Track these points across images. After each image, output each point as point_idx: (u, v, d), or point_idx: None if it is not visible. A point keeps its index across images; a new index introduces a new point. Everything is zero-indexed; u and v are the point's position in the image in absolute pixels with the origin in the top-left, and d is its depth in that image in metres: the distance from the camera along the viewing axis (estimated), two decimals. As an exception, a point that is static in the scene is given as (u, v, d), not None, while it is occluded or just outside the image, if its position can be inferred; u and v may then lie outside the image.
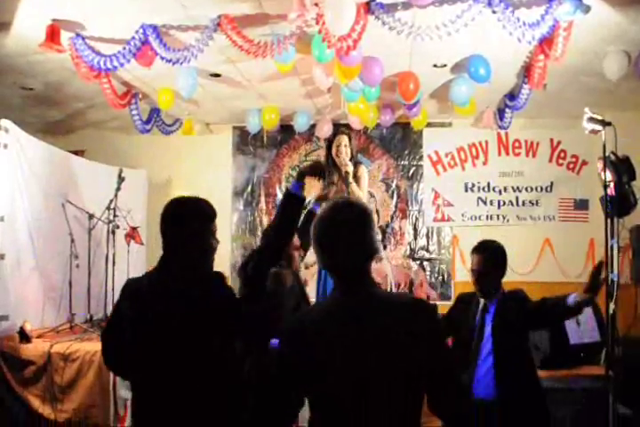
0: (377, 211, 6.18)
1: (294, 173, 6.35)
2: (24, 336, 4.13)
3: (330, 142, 4.36)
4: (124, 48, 3.70)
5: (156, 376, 1.94)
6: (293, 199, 2.46)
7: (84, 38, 3.82)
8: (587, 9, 3.12)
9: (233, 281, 6.01)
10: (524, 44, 3.37)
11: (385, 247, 6.08)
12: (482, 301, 2.96)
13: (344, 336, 1.50)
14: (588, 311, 3.98)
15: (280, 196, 6.38)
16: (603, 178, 3.54)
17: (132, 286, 2.08)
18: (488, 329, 2.87)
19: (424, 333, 1.52)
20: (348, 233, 1.59)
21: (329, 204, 1.69)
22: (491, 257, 2.91)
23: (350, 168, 4.17)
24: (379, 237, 1.64)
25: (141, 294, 2.02)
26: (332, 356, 1.49)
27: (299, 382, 1.53)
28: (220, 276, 2.08)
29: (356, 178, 4.22)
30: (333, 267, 1.63)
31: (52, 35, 3.63)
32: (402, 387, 1.48)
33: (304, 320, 1.64)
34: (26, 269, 4.53)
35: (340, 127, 5.37)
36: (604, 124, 3.46)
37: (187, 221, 2.02)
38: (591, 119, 3.47)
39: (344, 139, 4.26)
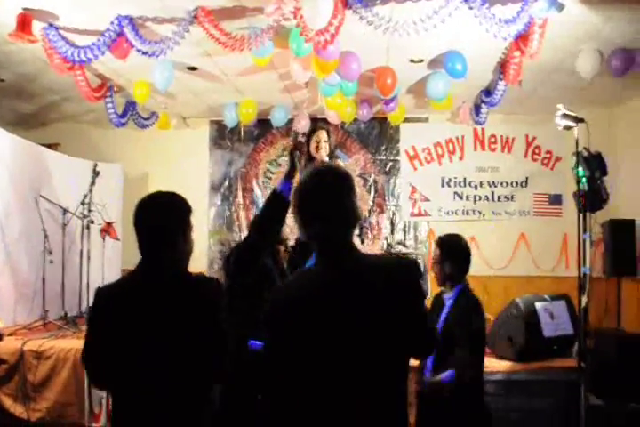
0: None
1: (272, 168, 6.35)
2: (-5, 334, 4.06)
3: (308, 138, 4.33)
4: (99, 39, 3.65)
5: (140, 385, 1.87)
6: (279, 199, 2.41)
7: (57, 28, 3.75)
8: (560, 7, 3.16)
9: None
10: (500, 40, 3.40)
11: (362, 242, 6.10)
12: (442, 296, 2.99)
13: (329, 305, 1.46)
14: (561, 304, 4.05)
15: (257, 190, 6.36)
16: (575, 173, 3.60)
17: (106, 296, 1.94)
18: (439, 326, 2.87)
19: (405, 287, 1.52)
20: (329, 199, 1.53)
21: (309, 171, 1.62)
22: (448, 250, 2.96)
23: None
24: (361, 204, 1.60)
25: (122, 304, 1.90)
26: (319, 326, 1.46)
27: (291, 354, 1.49)
28: (217, 283, 2.00)
29: None
30: (315, 236, 1.55)
31: (24, 24, 3.56)
32: (389, 346, 1.48)
33: (288, 293, 1.57)
34: (-2, 264, 4.46)
35: (318, 122, 5.36)
36: (577, 120, 3.52)
37: (163, 217, 1.94)
38: (564, 116, 3.53)
39: (323, 134, 4.23)
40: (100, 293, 1.96)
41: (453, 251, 2.96)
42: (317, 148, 4.12)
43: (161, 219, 1.94)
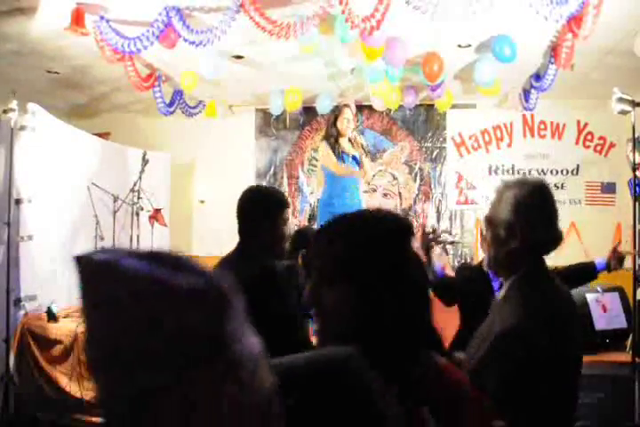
0: (399, 193, 6.16)
1: (317, 156, 6.36)
2: (52, 316, 4.23)
3: (335, 117, 4.73)
4: (148, 30, 3.71)
5: None
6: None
7: (107, 21, 3.83)
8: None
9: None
10: (551, 22, 3.29)
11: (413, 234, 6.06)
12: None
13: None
14: (614, 297, 3.92)
15: (302, 178, 6.38)
16: (631, 160, 3.48)
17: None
18: None
19: None
20: (554, 208, 1.59)
21: (525, 183, 1.61)
22: None
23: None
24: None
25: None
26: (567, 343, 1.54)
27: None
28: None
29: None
30: (542, 243, 1.60)
31: (77, 18, 3.65)
32: None
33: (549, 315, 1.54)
34: (53, 250, 4.62)
35: (362, 108, 5.46)
36: (634, 104, 3.39)
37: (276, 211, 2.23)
38: (620, 100, 3.41)
39: (349, 111, 4.66)
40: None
41: None
42: (348, 124, 4.56)
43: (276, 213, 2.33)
